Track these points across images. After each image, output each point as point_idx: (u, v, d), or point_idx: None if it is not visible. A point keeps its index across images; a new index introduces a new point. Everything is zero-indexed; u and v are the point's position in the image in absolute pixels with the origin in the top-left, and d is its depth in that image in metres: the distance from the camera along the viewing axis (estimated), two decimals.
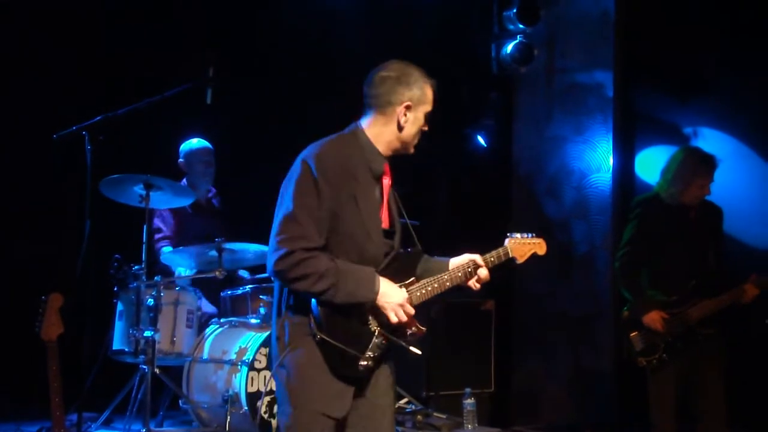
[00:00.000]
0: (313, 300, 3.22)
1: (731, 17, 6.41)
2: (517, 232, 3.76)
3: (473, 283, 3.54)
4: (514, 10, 6.90)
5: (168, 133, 6.39)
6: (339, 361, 3.24)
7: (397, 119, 3.39)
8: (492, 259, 3.60)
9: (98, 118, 4.79)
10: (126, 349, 5.34)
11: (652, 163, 7.02)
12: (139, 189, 5.29)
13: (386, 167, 3.44)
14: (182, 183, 6.05)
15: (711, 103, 6.66)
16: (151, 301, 5.23)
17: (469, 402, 5.98)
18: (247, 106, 6.83)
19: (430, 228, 6.65)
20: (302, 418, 3.26)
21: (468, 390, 6.04)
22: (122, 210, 5.48)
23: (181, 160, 6.19)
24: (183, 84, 5.17)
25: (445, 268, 3.53)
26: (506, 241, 3.71)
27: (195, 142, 6.19)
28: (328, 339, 3.20)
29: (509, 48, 6.96)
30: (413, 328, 3.41)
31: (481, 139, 7.40)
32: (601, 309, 7.00)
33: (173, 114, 5.76)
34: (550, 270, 7.18)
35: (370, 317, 3.30)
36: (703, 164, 5.05)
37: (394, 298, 3.29)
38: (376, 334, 3.31)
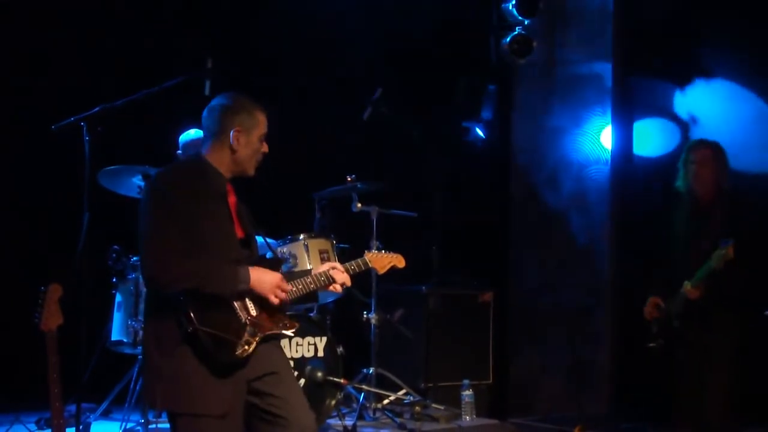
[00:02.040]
0: (180, 297, 3.37)
1: (730, 5, 6.40)
2: (375, 249, 4.23)
3: (334, 286, 3.81)
4: (513, 2, 6.88)
5: (167, 124, 6.37)
6: (215, 349, 3.36)
7: (229, 144, 3.59)
8: (352, 267, 3.94)
9: (96, 109, 4.78)
10: (124, 340, 5.35)
11: (650, 155, 7.04)
12: (138, 180, 5.28)
13: (228, 187, 3.65)
14: None
15: (710, 92, 6.64)
16: None
17: (467, 393, 5.99)
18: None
19: (427, 220, 6.67)
20: (182, 424, 3.43)
21: (466, 381, 6.06)
22: (120, 201, 5.48)
23: (179, 151, 6.18)
24: (181, 75, 5.16)
25: (307, 275, 3.82)
26: (365, 254, 4.08)
27: (191, 133, 6.18)
28: (201, 328, 3.32)
29: (508, 40, 6.95)
30: (285, 321, 3.62)
31: (479, 131, 7.39)
32: (599, 301, 7.01)
33: (172, 105, 5.76)
34: (549, 261, 7.20)
35: (239, 310, 3.48)
36: (692, 143, 5.33)
37: (268, 280, 3.51)
38: (247, 323, 3.47)
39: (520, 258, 7.44)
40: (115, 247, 5.37)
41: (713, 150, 5.15)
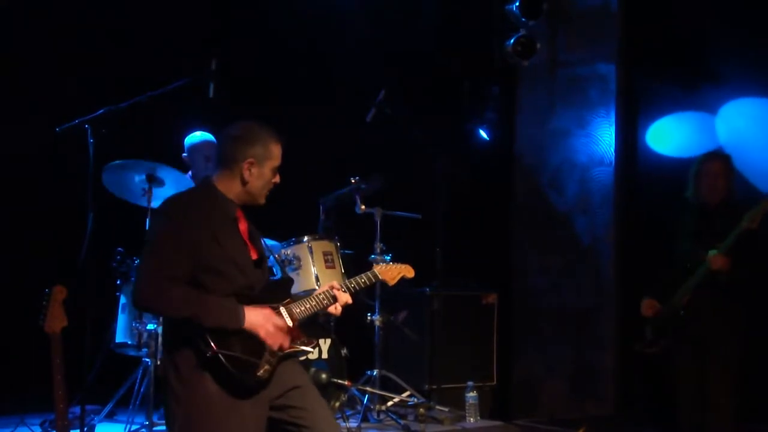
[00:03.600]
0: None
1: (735, 4, 6.39)
2: (381, 261, 4.25)
3: (334, 308, 3.80)
4: (517, 4, 6.89)
5: (171, 126, 6.39)
6: (236, 372, 3.34)
7: (240, 174, 3.58)
8: (352, 285, 3.89)
9: (101, 111, 4.79)
10: (129, 342, 5.35)
11: (655, 156, 7.03)
12: (142, 182, 5.29)
13: (239, 213, 3.64)
14: (187, 176, 6.07)
15: (716, 92, 6.64)
16: None
17: (471, 395, 5.99)
18: (250, 100, 6.83)
19: (431, 222, 6.67)
20: None
21: (470, 383, 6.05)
22: (125, 203, 5.49)
23: (184, 154, 6.19)
24: (186, 78, 5.17)
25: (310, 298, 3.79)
26: (373, 267, 4.09)
27: (198, 135, 6.19)
28: (221, 351, 3.31)
29: (512, 42, 6.95)
30: (302, 339, 3.62)
31: (483, 133, 7.39)
32: (603, 303, 7.01)
33: (177, 107, 5.76)
34: (553, 263, 7.19)
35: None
36: (704, 156, 5.40)
37: (258, 320, 3.45)
38: (266, 345, 3.45)
39: (524, 260, 7.44)
40: (120, 249, 5.37)
41: (724, 163, 5.32)
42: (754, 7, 6.25)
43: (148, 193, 5.28)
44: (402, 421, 5.65)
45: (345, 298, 3.82)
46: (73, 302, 4.07)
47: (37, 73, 6.25)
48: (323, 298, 3.77)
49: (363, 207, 5.96)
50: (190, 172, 6.17)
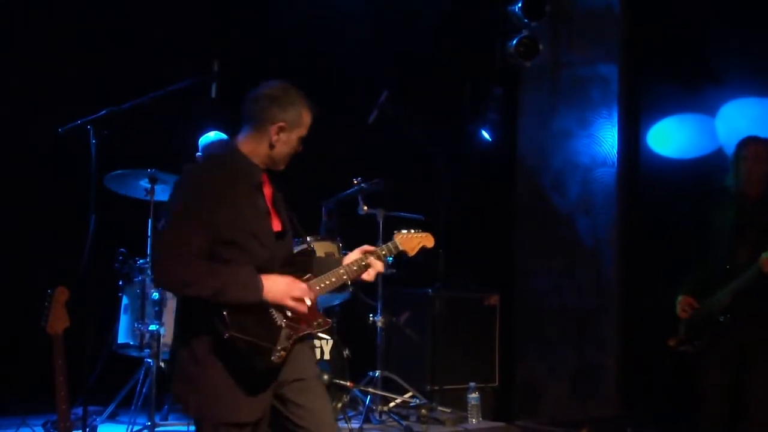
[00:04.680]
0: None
1: (736, 5, 6.39)
2: (404, 229, 3.96)
3: (368, 275, 3.65)
4: (520, 5, 6.88)
5: (173, 126, 6.39)
6: (250, 356, 3.25)
7: (269, 137, 3.43)
8: (383, 252, 3.75)
9: (103, 112, 4.78)
10: (131, 343, 5.35)
11: (657, 157, 7.02)
12: (144, 183, 5.29)
13: (264, 177, 3.50)
14: None
15: (719, 94, 6.63)
16: (156, 295, 5.23)
17: (473, 396, 5.98)
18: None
19: (433, 223, 6.66)
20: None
21: (472, 384, 6.05)
22: (127, 204, 5.49)
23: (198, 153, 6.21)
24: (188, 78, 5.17)
25: (334, 265, 3.65)
26: (394, 236, 3.91)
27: (212, 135, 6.21)
28: (237, 335, 3.20)
29: (514, 43, 6.95)
30: (318, 320, 3.49)
31: (485, 134, 7.39)
32: (605, 304, 7.00)
33: (179, 108, 5.76)
34: (555, 265, 7.19)
35: (274, 312, 3.34)
36: (745, 139, 5.00)
37: (279, 287, 3.32)
38: (283, 326, 3.34)
39: (526, 261, 7.44)
40: (122, 249, 5.37)
41: (766, 146, 4.94)
42: (755, 7, 6.24)
43: (150, 193, 5.28)
44: (404, 422, 5.65)
45: (378, 265, 3.67)
46: (76, 303, 4.07)
47: (38, 74, 6.25)
48: (354, 266, 3.62)
49: (365, 208, 5.97)
50: None
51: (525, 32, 6.96)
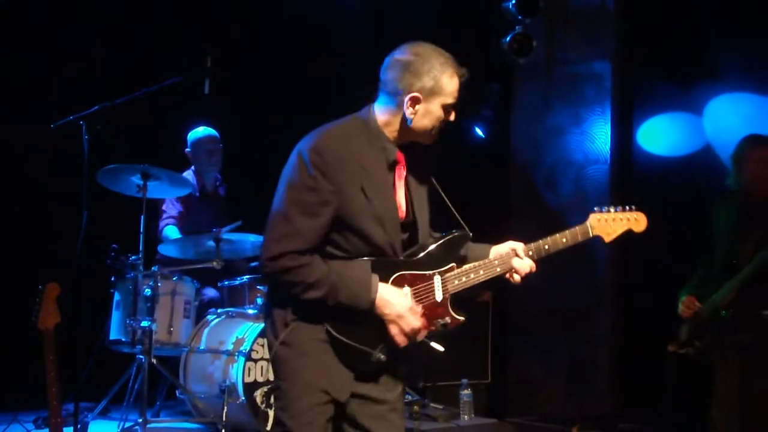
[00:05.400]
0: None
1: (731, 2, 6.39)
2: (610, 207, 3.41)
3: (511, 275, 3.27)
4: (513, 1, 6.87)
5: (166, 122, 6.38)
6: (347, 356, 2.96)
7: (403, 111, 3.01)
8: (545, 248, 3.39)
9: (96, 107, 4.78)
10: (123, 339, 5.34)
11: (650, 155, 7.03)
12: (137, 179, 5.28)
13: (399, 156, 3.07)
14: (190, 171, 6.11)
15: (713, 91, 6.63)
16: (148, 291, 5.22)
17: (465, 393, 5.99)
18: (251, 94, 6.82)
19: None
20: (292, 388, 2.96)
21: (465, 381, 6.05)
22: (119, 199, 5.47)
23: (187, 149, 6.20)
24: (181, 74, 5.16)
25: (485, 255, 3.26)
26: (591, 215, 3.43)
27: (201, 131, 6.21)
28: (336, 335, 2.93)
29: (508, 39, 6.94)
30: (447, 319, 3.13)
31: (479, 130, 7.38)
32: (598, 301, 7.00)
33: (172, 103, 5.75)
34: (548, 261, 7.17)
35: None
36: (750, 140, 4.83)
37: (390, 309, 2.98)
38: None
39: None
40: (114, 245, 5.35)
41: None
42: (748, 5, 6.24)
43: (143, 189, 5.26)
44: None
45: (524, 265, 3.29)
46: (67, 299, 4.06)
47: (31, 70, 6.23)
48: (497, 264, 3.22)
49: None
50: (192, 168, 6.19)
51: (519, 29, 6.95)
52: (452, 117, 3.08)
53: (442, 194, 3.29)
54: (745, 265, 4.64)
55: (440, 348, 3.14)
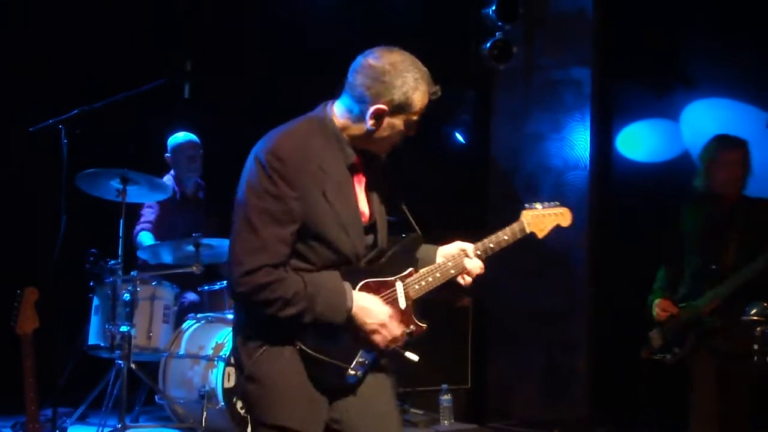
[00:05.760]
0: None
1: (708, 10, 6.45)
2: (537, 203, 3.42)
3: (463, 277, 3.16)
4: (493, 8, 6.90)
5: (146, 126, 6.36)
6: (322, 374, 2.83)
7: (366, 120, 2.85)
8: (490, 246, 3.24)
9: (75, 111, 4.76)
10: (102, 344, 5.32)
11: (629, 161, 7.08)
12: (116, 183, 5.27)
13: (356, 159, 2.92)
14: (170, 175, 6.10)
15: (689, 96, 6.69)
16: (127, 296, 5.20)
17: (445, 398, 6.00)
18: (230, 98, 6.81)
19: (406, 225, 6.67)
20: (264, 430, 2.83)
21: (444, 386, 6.06)
22: (98, 204, 5.46)
23: (167, 154, 6.19)
24: (161, 78, 5.15)
25: (433, 256, 3.14)
26: (521, 215, 3.38)
27: (181, 136, 6.20)
28: (309, 351, 2.78)
29: (488, 45, 6.97)
30: (411, 327, 3.03)
31: (459, 136, 7.41)
32: (575, 307, 7.04)
33: (152, 107, 5.74)
34: (526, 267, 7.21)
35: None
36: (720, 142, 4.75)
37: (372, 318, 2.85)
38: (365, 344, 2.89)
39: (498, 262, 7.44)
40: (93, 250, 5.33)
41: (744, 150, 4.69)
42: (727, 13, 6.30)
43: (122, 193, 5.25)
44: None
45: (475, 266, 3.15)
46: (46, 304, 4.04)
47: (9, 73, 6.20)
48: (451, 266, 3.08)
49: None
50: (172, 172, 6.18)
51: (499, 35, 6.98)
52: (412, 132, 2.96)
53: (399, 195, 3.19)
54: (725, 270, 4.56)
55: (415, 357, 3.04)
